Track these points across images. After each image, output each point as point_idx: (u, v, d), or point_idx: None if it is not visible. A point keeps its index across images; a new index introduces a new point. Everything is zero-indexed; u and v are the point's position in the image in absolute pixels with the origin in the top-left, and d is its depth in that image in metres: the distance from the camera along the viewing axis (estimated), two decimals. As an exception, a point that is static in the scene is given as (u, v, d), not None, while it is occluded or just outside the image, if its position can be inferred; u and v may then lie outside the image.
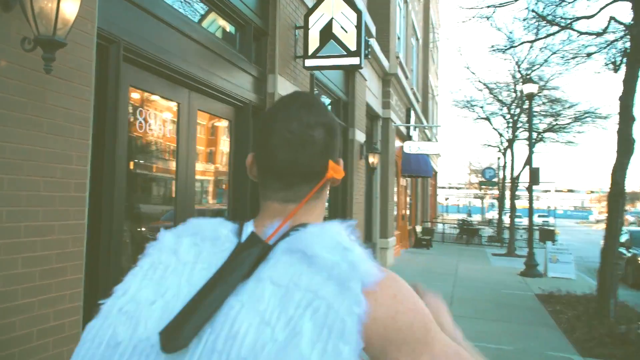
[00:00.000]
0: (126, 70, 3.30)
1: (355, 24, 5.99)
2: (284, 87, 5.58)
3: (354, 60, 6.01)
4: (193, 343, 0.71)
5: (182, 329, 0.71)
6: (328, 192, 0.97)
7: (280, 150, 0.88)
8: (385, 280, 0.76)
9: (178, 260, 0.83)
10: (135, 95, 3.62)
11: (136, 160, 3.73)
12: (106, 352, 0.75)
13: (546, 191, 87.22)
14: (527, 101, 14.23)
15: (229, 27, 5.06)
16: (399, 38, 14.24)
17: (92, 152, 2.99)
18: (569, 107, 18.89)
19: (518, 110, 18.57)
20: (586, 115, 18.67)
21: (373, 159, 10.44)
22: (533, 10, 9.17)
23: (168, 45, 3.74)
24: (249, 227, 0.87)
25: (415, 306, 0.77)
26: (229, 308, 0.73)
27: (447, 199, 69.97)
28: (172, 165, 4.05)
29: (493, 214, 40.50)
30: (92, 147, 2.87)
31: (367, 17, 8.75)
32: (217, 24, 4.88)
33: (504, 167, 21.67)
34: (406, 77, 14.91)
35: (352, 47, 5.97)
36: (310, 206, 0.91)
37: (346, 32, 5.99)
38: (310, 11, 5.97)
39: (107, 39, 3.05)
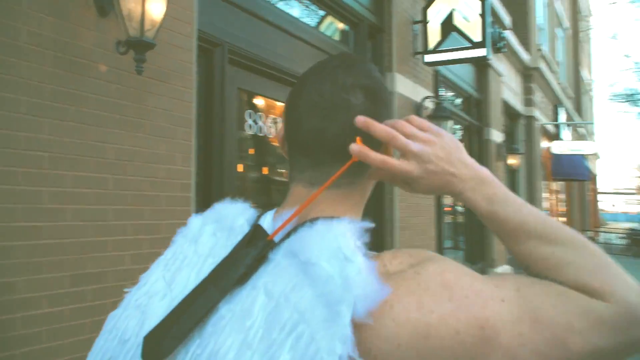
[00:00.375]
0: (233, 73, 3.35)
1: (480, 12, 5.55)
2: (403, 85, 5.34)
3: (480, 52, 5.57)
4: (180, 353, 0.61)
5: (163, 338, 0.62)
6: (370, 181, 0.78)
7: (306, 118, 0.72)
8: (404, 285, 0.58)
9: (195, 251, 0.72)
10: (245, 97, 3.67)
11: (247, 162, 3.78)
12: (117, 348, 0.68)
13: None
14: None
15: (341, 26, 4.98)
16: (540, 29, 13.07)
17: (201, 153, 3.06)
18: None
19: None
20: None
21: (513, 161, 9.61)
22: None
23: (275, 46, 3.74)
24: (267, 217, 0.75)
25: (459, 300, 0.58)
26: (219, 318, 0.62)
27: (613, 205, 62.73)
28: (285, 167, 4.03)
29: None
30: (199, 149, 2.93)
31: (498, 8, 8.13)
32: (329, 23, 4.82)
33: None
34: (552, 71, 13.62)
35: (477, 37, 5.53)
36: (341, 194, 0.73)
37: (469, 22, 5.57)
38: (429, 4, 5.66)
39: (209, 41, 3.12)
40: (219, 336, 0.60)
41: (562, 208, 16.69)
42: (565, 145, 13.66)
